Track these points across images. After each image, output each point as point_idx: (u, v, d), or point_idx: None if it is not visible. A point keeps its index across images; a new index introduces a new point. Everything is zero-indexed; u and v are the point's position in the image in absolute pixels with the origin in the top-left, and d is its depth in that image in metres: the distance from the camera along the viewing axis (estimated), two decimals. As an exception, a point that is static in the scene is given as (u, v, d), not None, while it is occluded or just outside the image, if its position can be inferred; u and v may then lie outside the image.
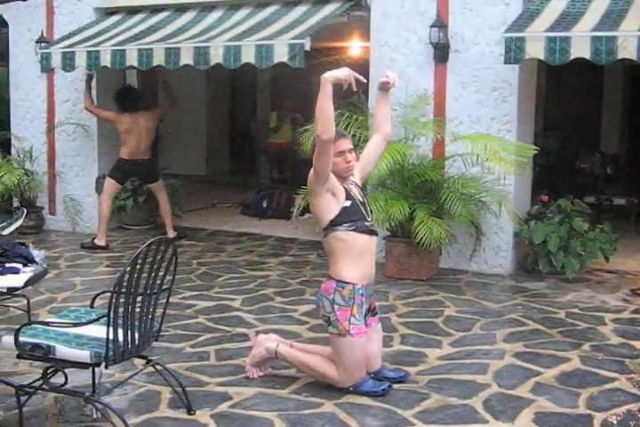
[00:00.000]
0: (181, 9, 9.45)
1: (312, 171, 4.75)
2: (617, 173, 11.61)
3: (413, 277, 7.76)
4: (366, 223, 4.88)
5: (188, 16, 9.30)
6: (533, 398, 4.92)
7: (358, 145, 7.60)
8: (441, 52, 8.09)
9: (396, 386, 5.03)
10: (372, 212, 5.08)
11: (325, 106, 4.58)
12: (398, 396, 4.92)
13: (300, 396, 4.94)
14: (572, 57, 6.93)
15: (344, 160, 4.86)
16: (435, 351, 5.77)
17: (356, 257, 4.85)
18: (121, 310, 4.15)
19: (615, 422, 4.58)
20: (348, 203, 4.83)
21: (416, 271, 7.77)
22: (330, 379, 4.95)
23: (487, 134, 7.75)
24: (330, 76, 4.61)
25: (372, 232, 4.93)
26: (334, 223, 4.81)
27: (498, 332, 6.23)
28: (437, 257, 8.10)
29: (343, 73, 4.67)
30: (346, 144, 4.88)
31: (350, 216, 4.82)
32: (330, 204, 4.81)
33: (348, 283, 4.83)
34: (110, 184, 9.49)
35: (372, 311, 5.07)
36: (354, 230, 4.82)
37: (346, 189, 4.88)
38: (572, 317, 6.65)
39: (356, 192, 4.96)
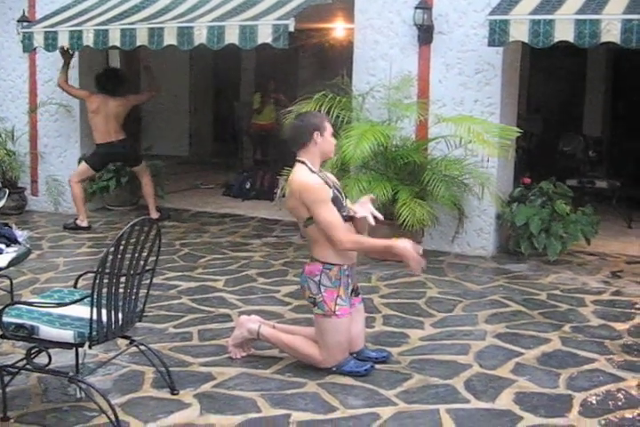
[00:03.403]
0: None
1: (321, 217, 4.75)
2: (599, 156, 11.65)
3: (396, 258, 7.73)
4: (343, 212, 4.86)
5: (171, -4, 9.24)
6: (514, 378, 4.97)
7: (341, 127, 7.65)
8: (425, 34, 8.08)
9: (378, 366, 5.07)
10: (346, 197, 5.09)
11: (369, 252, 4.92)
12: (380, 376, 4.96)
13: (282, 376, 4.96)
14: (555, 40, 6.94)
15: (332, 142, 4.96)
16: (417, 332, 5.81)
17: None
18: (104, 290, 4.15)
19: (594, 402, 4.63)
20: (331, 194, 4.82)
21: (399, 253, 7.78)
22: (312, 359, 4.98)
23: (470, 116, 7.76)
24: (401, 249, 4.81)
25: (350, 218, 4.93)
26: (311, 218, 4.82)
27: (479, 313, 6.27)
28: (420, 239, 8.12)
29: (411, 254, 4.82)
30: (330, 127, 4.97)
31: (334, 205, 4.82)
32: (301, 208, 4.83)
33: (334, 264, 4.85)
34: (84, 169, 9.47)
35: (354, 291, 5.10)
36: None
37: (325, 180, 4.88)
38: (554, 298, 6.70)
39: (332, 179, 5.00)
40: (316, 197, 4.75)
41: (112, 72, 9.92)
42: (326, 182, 4.86)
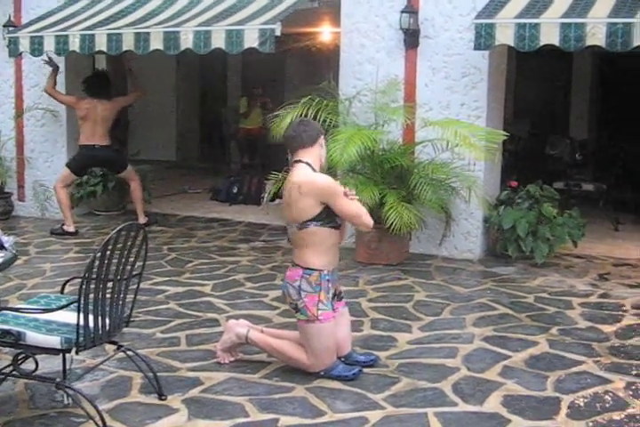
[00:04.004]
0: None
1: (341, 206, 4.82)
2: (586, 158, 11.68)
3: (383, 262, 7.80)
4: (336, 219, 4.89)
5: (158, 1, 9.22)
6: (502, 381, 4.97)
7: (328, 131, 7.66)
8: (411, 38, 8.10)
9: (366, 370, 5.07)
10: None
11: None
12: (368, 380, 4.96)
13: (270, 380, 4.96)
14: (541, 43, 6.97)
15: (325, 152, 5.14)
16: (404, 336, 5.81)
17: (325, 248, 4.89)
18: (91, 295, 4.14)
19: (582, 404, 4.64)
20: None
21: (386, 256, 7.81)
22: (301, 364, 4.98)
23: (457, 120, 7.78)
24: None
25: (339, 226, 4.95)
26: (312, 220, 4.82)
27: (467, 316, 6.28)
28: (407, 242, 8.15)
29: None
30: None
31: (328, 213, 4.83)
32: (314, 208, 4.82)
33: (314, 270, 4.86)
34: (66, 174, 9.47)
35: (337, 295, 5.10)
36: (328, 226, 4.85)
37: None
38: (541, 301, 6.72)
39: None
40: (335, 190, 4.82)
41: (100, 75, 9.91)
42: None
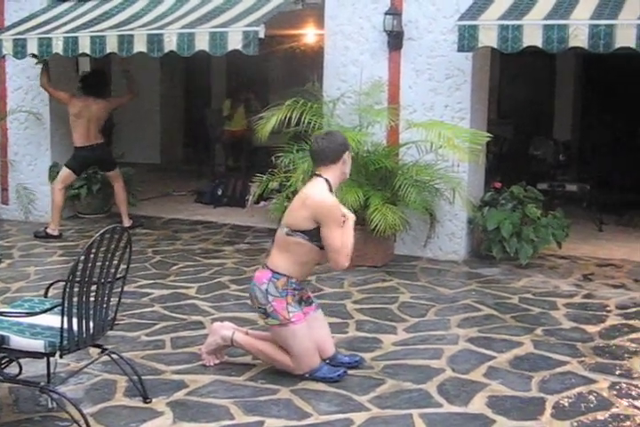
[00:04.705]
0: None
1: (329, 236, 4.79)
2: (569, 159, 11.74)
3: (368, 263, 7.80)
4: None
5: (142, 3, 9.19)
6: (487, 382, 4.99)
7: (312, 133, 7.66)
8: (395, 40, 8.11)
9: (351, 372, 5.07)
10: None
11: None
12: (353, 381, 4.96)
13: (255, 383, 4.96)
14: (524, 45, 7.00)
15: (348, 169, 5.05)
16: (390, 337, 5.82)
17: (303, 261, 4.90)
18: (75, 299, 4.13)
19: (567, 404, 4.67)
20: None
21: (371, 258, 7.81)
22: (285, 366, 4.98)
23: (441, 122, 7.79)
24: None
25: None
26: (302, 232, 4.83)
27: (452, 317, 6.29)
28: (392, 244, 8.16)
29: None
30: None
31: (319, 232, 4.82)
32: (308, 222, 4.83)
33: (283, 275, 4.86)
34: (66, 174, 9.41)
35: (305, 301, 5.09)
36: (315, 243, 4.85)
37: None
38: (526, 302, 6.74)
39: None
40: (334, 218, 4.79)
41: (98, 73, 9.90)
42: None
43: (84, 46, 8.47)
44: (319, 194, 4.84)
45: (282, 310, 4.84)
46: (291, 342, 4.89)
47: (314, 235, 4.80)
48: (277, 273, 4.86)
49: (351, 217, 4.94)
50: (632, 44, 6.68)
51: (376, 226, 7.34)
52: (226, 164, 14.13)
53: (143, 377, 4.78)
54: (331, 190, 4.89)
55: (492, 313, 6.42)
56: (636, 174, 10.51)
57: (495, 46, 7.15)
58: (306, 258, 4.88)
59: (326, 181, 4.88)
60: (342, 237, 4.80)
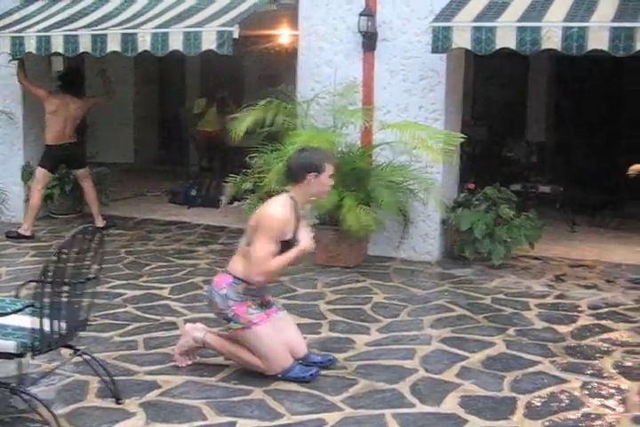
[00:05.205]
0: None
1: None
2: (542, 161, 11.80)
3: (342, 264, 7.81)
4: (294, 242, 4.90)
5: (116, 2, 9.15)
6: (459, 382, 5.01)
7: (286, 134, 7.68)
8: (369, 41, 8.12)
9: (324, 372, 5.07)
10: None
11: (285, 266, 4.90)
12: (326, 382, 4.97)
13: (228, 383, 4.95)
14: (497, 47, 7.03)
15: (329, 183, 4.92)
16: (363, 338, 5.83)
17: None
18: (47, 299, 4.11)
19: (538, 404, 4.69)
20: (290, 236, 4.83)
21: (344, 259, 7.82)
22: (257, 367, 4.97)
23: (415, 123, 7.80)
24: (309, 248, 4.92)
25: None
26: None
27: (425, 318, 6.31)
28: (366, 245, 8.17)
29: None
30: (332, 168, 4.94)
31: (285, 248, 4.82)
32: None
33: (244, 281, 4.86)
34: (42, 174, 9.36)
35: (266, 305, 5.07)
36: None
37: (297, 216, 4.90)
38: (498, 302, 6.77)
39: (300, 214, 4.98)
40: (269, 229, 4.74)
41: (73, 71, 9.85)
42: (295, 222, 4.86)
43: (57, 45, 8.43)
44: (271, 207, 4.85)
45: (243, 313, 4.84)
46: (257, 343, 4.88)
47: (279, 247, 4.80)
48: (237, 278, 4.86)
49: (302, 248, 4.85)
50: (605, 46, 6.72)
51: (349, 227, 7.35)
52: (200, 164, 14.09)
53: (115, 378, 4.77)
54: (296, 207, 4.87)
55: (465, 313, 6.45)
56: (608, 176, 10.59)
57: (469, 48, 7.18)
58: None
59: (292, 197, 4.87)
60: (266, 252, 4.71)
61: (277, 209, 4.81)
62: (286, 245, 4.82)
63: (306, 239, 4.88)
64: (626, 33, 6.64)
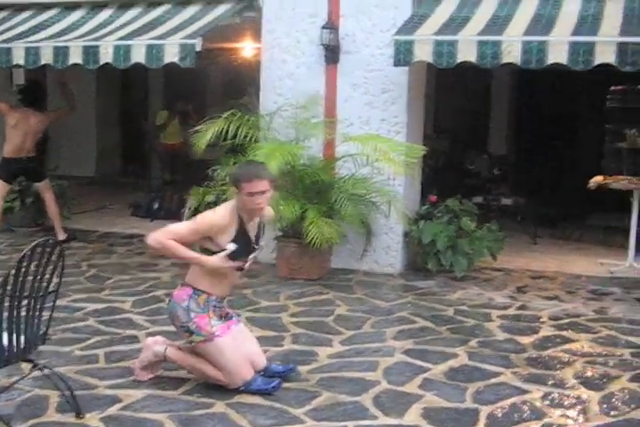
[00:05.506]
0: (71, 7, 9.28)
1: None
2: (504, 173, 11.90)
3: (305, 277, 7.80)
4: (242, 264, 4.88)
5: (78, 14, 9.14)
6: (422, 393, 5.01)
7: (249, 146, 7.67)
8: (332, 54, 8.15)
9: (286, 385, 5.06)
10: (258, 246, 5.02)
11: (177, 257, 4.87)
12: (289, 394, 4.95)
13: (190, 397, 4.92)
14: (458, 60, 7.10)
15: (252, 201, 4.74)
16: (326, 350, 5.82)
17: (219, 280, 4.87)
18: (6, 313, 4.06)
19: (500, 415, 4.71)
20: (233, 248, 4.75)
21: (307, 271, 7.82)
22: (219, 381, 4.94)
23: (377, 135, 7.84)
24: (208, 265, 4.78)
25: (242, 269, 4.95)
26: (208, 254, 4.80)
27: (388, 330, 6.32)
28: (328, 257, 8.17)
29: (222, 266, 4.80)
30: (260, 186, 4.72)
31: (230, 256, 4.79)
32: (204, 241, 4.83)
33: (203, 292, 4.84)
34: (1, 186, 9.29)
35: (225, 317, 5.05)
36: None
37: (241, 229, 4.82)
38: (461, 314, 6.80)
39: (251, 229, 4.90)
40: (199, 220, 4.81)
41: (34, 85, 9.78)
42: (240, 229, 4.80)
43: (19, 57, 8.38)
44: (216, 209, 4.91)
45: (205, 325, 4.82)
46: (219, 356, 4.85)
47: (213, 252, 4.78)
48: (197, 290, 4.85)
49: (202, 259, 4.77)
50: (564, 60, 6.81)
51: (312, 239, 7.35)
52: (162, 177, 14.03)
53: (76, 392, 4.72)
54: (242, 218, 4.81)
55: (428, 325, 6.47)
56: (569, 188, 10.70)
57: (431, 61, 7.24)
58: (221, 277, 4.85)
59: (237, 207, 4.83)
60: (177, 230, 4.76)
61: (218, 210, 4.84)
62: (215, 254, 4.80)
63: (217, 257, 4.77)
64: (585, 47, 6.74)
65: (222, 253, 4.73)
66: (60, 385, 4.69)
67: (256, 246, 4.96)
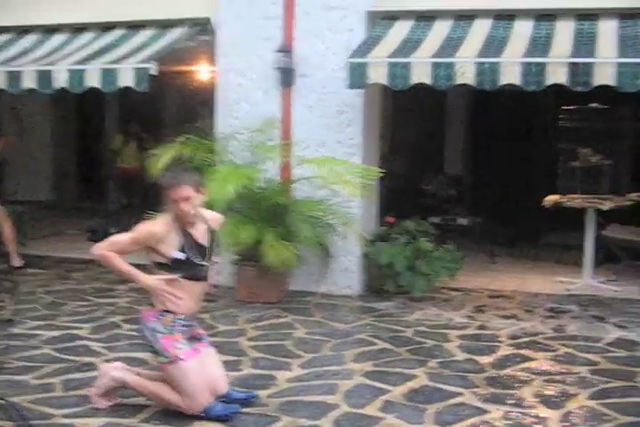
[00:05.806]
0: (24, 31, 9.24)
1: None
2: (461, 193, 11.98)
3: (263, 300, 7.77)
4: (197, 273, 4.85)
5: (31, 39, 9.10)
6: (382, 415, 5.00)
7: (206, 170, 7.63)
8: (287, 77, 8.18)
9: (246, 410, 5.02)
10: (211, 252, 5.00)
11: (115, 269, 4.93)
12: (249, 420, 4.91)
13: (149, 424, 4.85)
14: (413, 82, 7.16)
15: (177, 208, 4.72)
16: (285, 374, 5.79)
17: (183, 295, 4.81)
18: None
19: (460, 436, 4.71)
20: (181, 256, 4.75)
21: (266, 294, 7.79)
22: (178, 406, 4.88)
23: (333, 158, 7.85)
24: (145, 286, 4.82)
25: (202, 278, 4.91)
26: (161, 268, 4.80)
27: (347, 352, 6.30)
28: (287, 280, 8.15)
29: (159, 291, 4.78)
30: (181, 192, 4.70)
31: (180, 267, 4.77)
32: (152, 254, 4.82)
33: (169, 312, 4.81)
34: None
35: (196, 338, 5.03)
36: (182, 277, 4.80)
37: (186, 236, 4.81)
38: (420, 335, 6.81)
39: (199, 236, 4.88)
40: (138, 230, 4.80)
41: None
42: (184, 237, 4.79)
43: (-29, 82, 8.31)
44: (154, 219, 4.91)
45: (170, 347, 4.77)
46: (181, 380, 4.80)
47: (172, 266, 4.76)
48: (164, 310, 4.81)
49: (141, 278, 4.82)
50: (517, 81, 6.90)
51: (270, 262, 7.34)
52: (119, 201, 13.95)
53: (31, 422, 4.65)
54: (179, 222, 4.79)
55: (387, 347, 6.46)
56: (525, 207, 10.79)
57: (385, 83, 7.29)
58: (181, 291, 4.79)
59: (172, 218, 4.81)
60: (118, 240, 4.85)
61: (158, 219, 4.85)
62: (168, 266, 4.78)
63: (155, 278, 4.79)
64: (536, 68, 6.83)
65: (164, 277, 4.73)
66: (15, 415, 4.61)
67: (210, 250, 4.93)
